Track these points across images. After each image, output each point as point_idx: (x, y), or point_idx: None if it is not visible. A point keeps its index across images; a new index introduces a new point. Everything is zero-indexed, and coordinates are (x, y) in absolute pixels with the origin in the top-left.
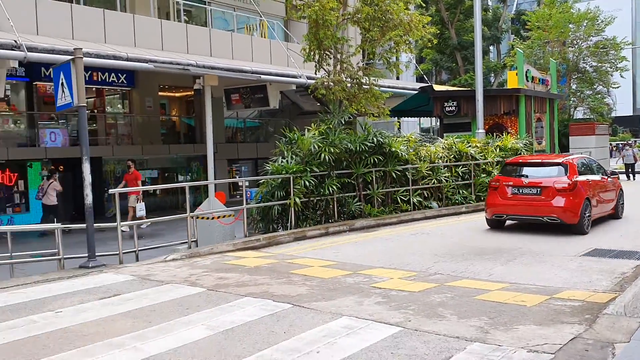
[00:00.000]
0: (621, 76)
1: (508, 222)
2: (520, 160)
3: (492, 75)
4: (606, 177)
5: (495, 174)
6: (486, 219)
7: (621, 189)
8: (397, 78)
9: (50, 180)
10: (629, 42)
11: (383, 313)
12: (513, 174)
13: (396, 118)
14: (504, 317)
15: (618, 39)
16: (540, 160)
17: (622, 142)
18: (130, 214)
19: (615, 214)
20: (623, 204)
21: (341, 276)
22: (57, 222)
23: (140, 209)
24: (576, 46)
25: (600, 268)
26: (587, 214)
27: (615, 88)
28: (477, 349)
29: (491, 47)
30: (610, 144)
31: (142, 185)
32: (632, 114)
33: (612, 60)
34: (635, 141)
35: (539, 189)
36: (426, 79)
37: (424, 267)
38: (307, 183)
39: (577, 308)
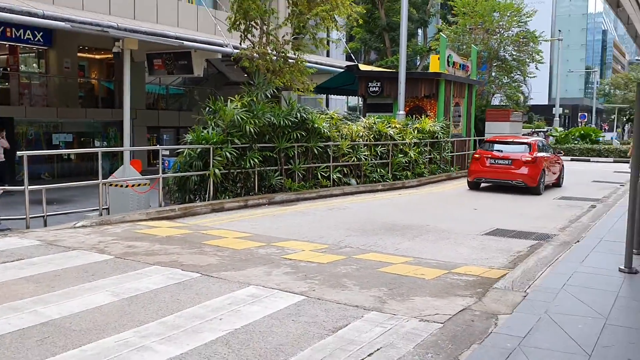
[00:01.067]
0: (536, 68)
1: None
2: (497, 139)
3: (418, 58)
4: (554, 155)
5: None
6: (468, 181)
7: (563, 165)
8: (328, 55)
9: None
10: (546, 38)
11: (289, 283)
12: (491, 148)
13: (324, 95)
14: (402, 288)
15: (538, 31)
16: (511, 140)
17: (538, 130)
18: None
19: (558, 183)
20: (563, 176)
21: (254, 247)
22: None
23: None
24: (498, 34)
25: (498, 247)
26: (542, 180)
27: (531, 78)
28: (373, 317)
29: (419, 30)
30: (536, 131)
31: (57, 149)
32: (547, 103)
33: (530, 52)
34: (549, 129)
35: (510, 161)
36: (354, 58)
37: (336, 241)
38: (228, 155)
39: (471, 282)
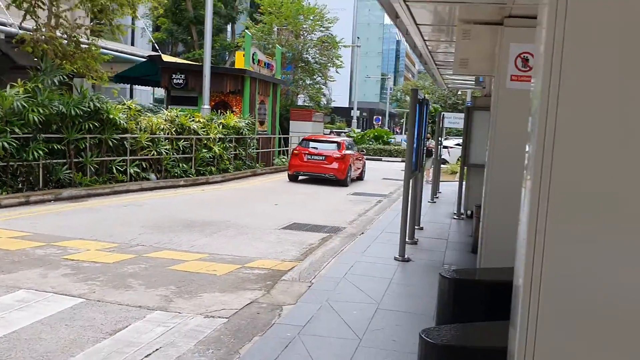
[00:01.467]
0: (337, 72)
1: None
2: (313, 138)
3: (227, 53)
4: (359, 153)
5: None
6: (288, 174)
7: (365, 162)
8: (132, 44)
9: None
10: (346, 44)
11: (68, 285)
12: (307, 146)
13: (128, 85)
14: (192, 285)
15: (340, 37)
16: (325, 139)
17: (339, 131)
18: None
19: (361, 177)
20: (365, 171)
21: (31, 248)
22: None
23: None
24: (302, 37)
25: (294, 240)
26: (349, 174)
27: (331, 81)
28: (156, 316)
29: (228, 26)
30: (335, 131)
31: None
32: (347, 106)
33: (331, 56)
34: (348, 130)
35: (324, 157)
36: (158, 48)
37: (128, 239)
38: (6, 145)
39: (262, 276)
